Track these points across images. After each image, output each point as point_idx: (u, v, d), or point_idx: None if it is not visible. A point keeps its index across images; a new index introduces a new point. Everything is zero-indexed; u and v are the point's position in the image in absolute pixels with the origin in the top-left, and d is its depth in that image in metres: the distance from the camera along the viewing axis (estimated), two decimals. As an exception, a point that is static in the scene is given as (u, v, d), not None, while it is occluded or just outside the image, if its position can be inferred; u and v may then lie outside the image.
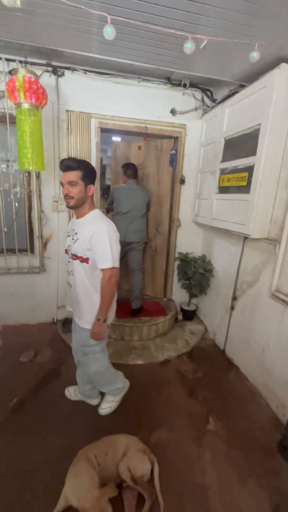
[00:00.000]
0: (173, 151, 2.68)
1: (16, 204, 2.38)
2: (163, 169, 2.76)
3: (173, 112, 2.61)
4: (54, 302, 2.79)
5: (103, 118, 2.47)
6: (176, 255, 2.81)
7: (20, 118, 1.92)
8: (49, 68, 2.36)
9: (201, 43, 1.46)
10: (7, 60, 2.21)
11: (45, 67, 2.36)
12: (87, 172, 1.33)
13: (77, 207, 1.37)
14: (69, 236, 1.44)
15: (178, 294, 2.97)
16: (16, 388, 2.03)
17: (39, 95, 1.94)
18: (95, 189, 1.39)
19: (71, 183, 1.32)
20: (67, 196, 1.34)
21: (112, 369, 1.67)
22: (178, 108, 2.60)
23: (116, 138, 5.26)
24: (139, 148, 2.78)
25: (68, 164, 1.32)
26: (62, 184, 1.34)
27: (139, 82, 2.55)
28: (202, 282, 2.72)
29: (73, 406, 1.80)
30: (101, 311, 1.39)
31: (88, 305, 1.42)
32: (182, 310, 2.91)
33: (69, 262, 1.43)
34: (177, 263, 2.81)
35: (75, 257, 1.38)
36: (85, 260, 1.36)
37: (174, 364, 2.31)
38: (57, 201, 2.61)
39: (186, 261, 2.72)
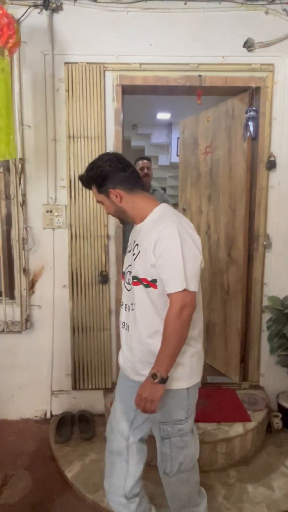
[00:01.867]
0: (252, 112, 2.18)
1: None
2: (236, 148, 2.36)
3: (249, 45, 2.15)
4: (46, 383, 2.39)
5: (125, 69, 2.15)
6: (265, 303, 2.32)
7: None
8: (39, 1, 2.05)
9: None
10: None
11: (32, 1, 2.03)
12: (98, 181, 1.30)
13: (126, 220, 1.36)
14: (129, 251, 1.36)
15: (273, 377, 2.41)
16: None
17: (2, 30, 1.50)
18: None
19: (99, 202, 1.37)
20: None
21: (198, 476, 1.45)
22: (259, 38, 2.14)
23: (164, 115, 4.80)
24: (208, 120, 2.55)
25: (80, 181, 1.38)
26: None
27: (185, 3, 2.13)
28: None
29: None
30: (162, 363, 1.19)
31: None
32: (282, 409, 2.31)
33: (129, 290, 1.32)
34: (266, 317, 2.31)
35: (136, 280, 1.27)
36: (151, 284, 1.24)
37: None
38: (51, 211, 2.12)
39: (284, 314, 2.17)
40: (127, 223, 1.38)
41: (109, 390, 2.33)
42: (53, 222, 2.25)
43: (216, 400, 2.26)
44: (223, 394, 2.34)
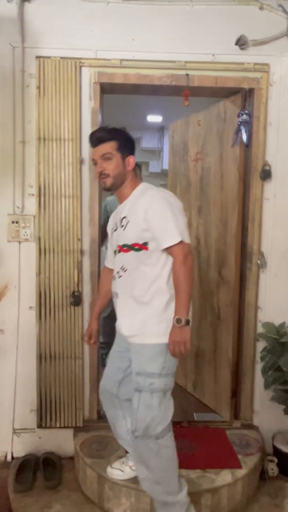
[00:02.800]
0: (244, 116, 2.12)
1: None
2: (228, 155, 2.34)
3: (242, 43, 2.10)
4: (7, 419, 2.23)
5: (104, 66, 2.08)
6: (259, 329, 2.24)
7: None
8: (9, -11, 2.01)
9: None
10: None
11: (1, -11, 1.97)
12: (124, 142, 1.58)
13: (116, 187, 1.59)
14: (115, 230, 1.65)
15: (267, 415, 2.30)
16: None
17: None
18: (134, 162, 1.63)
19: (105, 157, 1.54)
20: (102, 175, 1.57)
21: (173, 452, 1.62)
22: (253, 35, 2.10)
23: (155, 117, 4.72)
24: (199, 123, 2.56)
25: (99, 136, 1.57)
26: (94, 161, 1.60)
27: (173, -4, 2.08)
28: None
29: None
30: (182, 308, 1.46)
31: (151, 309, 1.53)
32: (278, 453, 2.18)
33: (118, 261, 1.61)
34: (261, 345, 2.23)
35: (126, 248, 1.55)
36: (142, 246, 1.51)
37: None
38: (17, 222, 2.08)
39: (280, 344, 2.09)
40: (110, 190, 1.63)
41: (80, 429, 2.19)
42: (19, 235, 2.14)
43: (202, 442, 2.13)
44: (211, 435, 2.20)
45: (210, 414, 2.45)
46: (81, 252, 2.13)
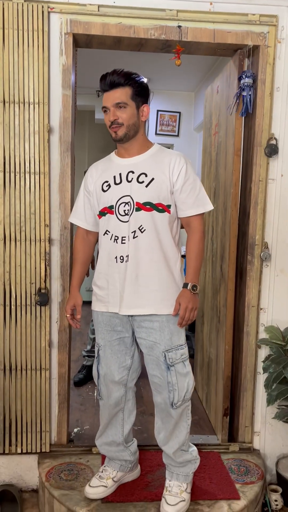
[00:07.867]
0: (246, 78, 2.09)
1: None
2: (229, 127, 2.33)
3: None
4: None
5: (78, 12, 2.02)
6: (261, 335, 2.27)
7: None
8: None
9: None
10: None
11: None
12: (139, 89, 1.72)
13: (128, 139, 1.73)
14: (117, 183, 1.74)
15: (271, 437, 2.32)
16: None
17: None
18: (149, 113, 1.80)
19: (119, 105, 1.68)
20: (114, 124, 1.70)
21: None
22: None
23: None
24: (217, 90, 2.63)
25: (113, 80, 1.68)
26: (106, 109, 1.71)
27: None
28: None
29: None
30: (197, 275, 1.75)
31: (176, 274, 1.77)
32: (282, 481, 2.21)
33: (126, 222, 1.71)
34: (263, 353, 2.26)
35: (149, 206, 1.70)
36: (166, 209, 1.72)
37: None
38: None
39: (286, 351, 2.13)
40: (120, 141, 1.72)
41: (46, 455, 2.12)
42: None
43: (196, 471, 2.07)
44: (203, 460, 2.13)
45: (210, 436, 2.43)
46: (50, 241, 2.07)
